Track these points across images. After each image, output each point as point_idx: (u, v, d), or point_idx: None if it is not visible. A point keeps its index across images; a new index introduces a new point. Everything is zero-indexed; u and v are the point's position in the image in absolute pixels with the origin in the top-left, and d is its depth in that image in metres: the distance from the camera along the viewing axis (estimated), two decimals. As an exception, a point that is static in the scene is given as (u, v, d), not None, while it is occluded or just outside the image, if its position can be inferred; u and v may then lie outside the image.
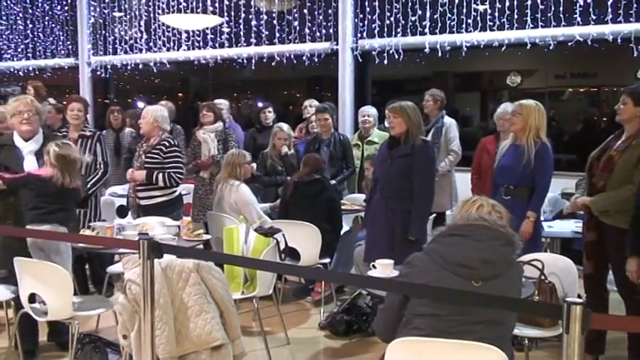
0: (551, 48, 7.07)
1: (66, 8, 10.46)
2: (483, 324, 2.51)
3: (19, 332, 4.17)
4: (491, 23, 7.30)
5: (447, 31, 7.55)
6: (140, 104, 10.98)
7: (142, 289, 3.11)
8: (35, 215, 4.15)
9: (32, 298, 3.98)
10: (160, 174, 5.23)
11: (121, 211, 6.23)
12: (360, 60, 8.21)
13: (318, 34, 8.39)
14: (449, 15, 7.53)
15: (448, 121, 6.55)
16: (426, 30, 7.66)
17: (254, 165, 6.05)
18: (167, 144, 5.33)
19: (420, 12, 7.67)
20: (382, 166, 4.82)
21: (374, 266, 3.63)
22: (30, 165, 4.32)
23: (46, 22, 10.64)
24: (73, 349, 3.97)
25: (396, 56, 7.86)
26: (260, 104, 7.58)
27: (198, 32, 9.22)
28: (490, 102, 10.06)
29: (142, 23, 9.70)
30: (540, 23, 7.03)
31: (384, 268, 3.57)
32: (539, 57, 8.22)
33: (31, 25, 10.76)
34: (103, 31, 10.19)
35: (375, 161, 5.27)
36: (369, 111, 6.81)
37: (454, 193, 6.52)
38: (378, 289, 3.36)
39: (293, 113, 11.62)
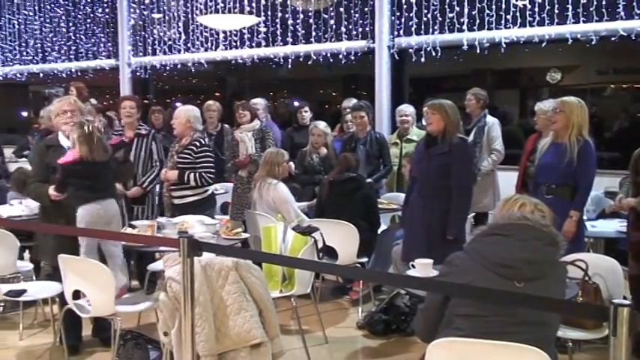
0: (593, 43, 6.92)
1: (107, 10, 10.62)
2: (526, 325, 2.47)
3: (64, 328, 4.25)
4: (531, 19, 7.17)
5: (486, 27, 7.45)
6: (178, 104, 11.11)
7: (182, 286, 3.14)
8: (87, 193, 4.25)
9: (76, 294, 4.06)
10: (192, 174, 5.30)
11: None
12: (397, 58, 8.15)
13: (354, 32, 8.37)
14: (487, 11, 7.43)
15: (490, 120, 6.48)
16: (464, 27, 7.57)
17: (292, 164, 6.06)
18: (198, 144, 5.39)
19: (457, 8, 7.58)
20: (419, 164, 4.80)
21: (413, 266, 3.60)
22: None
23: (88, 25, 10.82)
24: (115, 345, 4.04)
25: (434, 54, 7.78)
26: (296, 103, 7.60)
27: (235, 32, 9.27)
28: (530, 99, 9.93)
29: (181, 24, 9.80)
30: (582, 18, 6.89)
31: (423, 268, 3.54)
32: (580, 53, 8.08)
33: (73, 28, 10.95)
34: (143, 33, 10.31)
35: (412, 159, 5.24)
36: (407, 110, 6.77)
37: (497, 193, 6.45)
38: (417, 288, 3.33)
39: (329, 112, 11.63)
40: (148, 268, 5.14)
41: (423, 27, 7.80)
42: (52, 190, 4.26)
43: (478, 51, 7.52)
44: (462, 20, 7.56)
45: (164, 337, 3.50)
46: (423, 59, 7.82)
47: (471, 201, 4.76)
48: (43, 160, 4.47)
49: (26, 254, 5.66)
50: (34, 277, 5.21)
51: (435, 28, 7.72)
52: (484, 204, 6.32)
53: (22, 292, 4.42)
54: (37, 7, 11.27)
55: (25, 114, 14.30)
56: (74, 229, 4.24)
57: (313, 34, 8.66)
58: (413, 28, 7.87)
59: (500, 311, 2.47)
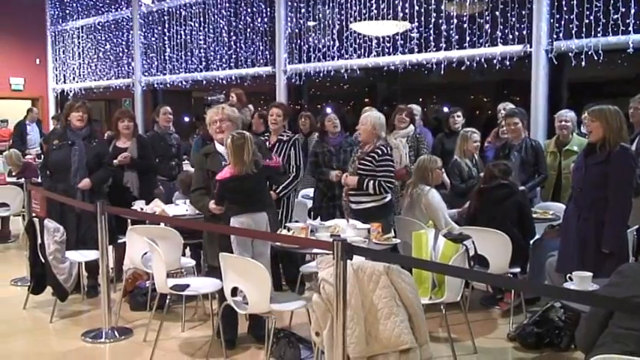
0: None
1: (265, 20, 11.09)
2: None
3: (222, 323, 4.48)
4: None
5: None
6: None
7: (335, 288, 3.24)
8: (239, 207, 4.51)
9: (234, 291, 4.27)
10: (371, 181, 5.26)
11: (311, 213, 6.43)
12: (555, 62, 7.82)
13: (510, 36, 8.14)
14: (656, 11, 6.97)
15: None
16: (630, 28, 7.13)
17: (444, 171, 5.99)
18: (380, 152, 5.33)
19: (622, 9, 7.16)
20: (577, 173, 4.63)
21: (570, 278, 3.48)
22: None
23: (247, 34, 11.36)
24: (269, 342, 4.20)
25: (595, 57, 7.39)
26: (446, 109, 7.51)
27: (387, 38, 9.33)
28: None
29: (335, 31, 10.01)
30: None
31: (581, 281, 3.40)
32: None
33: (234, 37, 11.55)
34: (298, 41, 10.65)
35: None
36: (567, 115, 6.42)
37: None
38: (573, 301, 3.21)
39: (480, 118, 11.40)
40: (300, 270, 5.29)
41: (584, 29, 7.44)
42: (212, 205, 4.52)
43: (644, 54, 7.07)
44: (627, 21, 7.12)
45: (316, 337, 3.59)
46: (583, 63, 7.46)
47: (628, 213, 4.49)
48: (202, 167, 4.74)
49: (187, 251, 6.04)
50: (195, 273, 5.54)
51: (598, 30, 7.33)
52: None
53: (186, 286, 4.67)
54: (201, 19, 12.01)
55: (187, 119, 15.26)
56: (234, 228, 4.49)
57: (467, 39, 8.52)
58: (573, 31, 7.53)
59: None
